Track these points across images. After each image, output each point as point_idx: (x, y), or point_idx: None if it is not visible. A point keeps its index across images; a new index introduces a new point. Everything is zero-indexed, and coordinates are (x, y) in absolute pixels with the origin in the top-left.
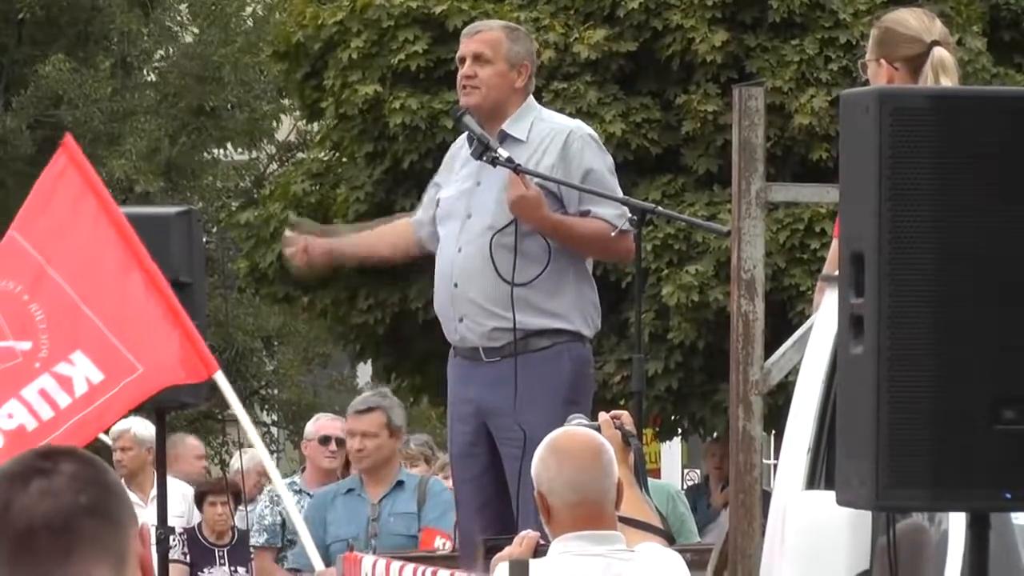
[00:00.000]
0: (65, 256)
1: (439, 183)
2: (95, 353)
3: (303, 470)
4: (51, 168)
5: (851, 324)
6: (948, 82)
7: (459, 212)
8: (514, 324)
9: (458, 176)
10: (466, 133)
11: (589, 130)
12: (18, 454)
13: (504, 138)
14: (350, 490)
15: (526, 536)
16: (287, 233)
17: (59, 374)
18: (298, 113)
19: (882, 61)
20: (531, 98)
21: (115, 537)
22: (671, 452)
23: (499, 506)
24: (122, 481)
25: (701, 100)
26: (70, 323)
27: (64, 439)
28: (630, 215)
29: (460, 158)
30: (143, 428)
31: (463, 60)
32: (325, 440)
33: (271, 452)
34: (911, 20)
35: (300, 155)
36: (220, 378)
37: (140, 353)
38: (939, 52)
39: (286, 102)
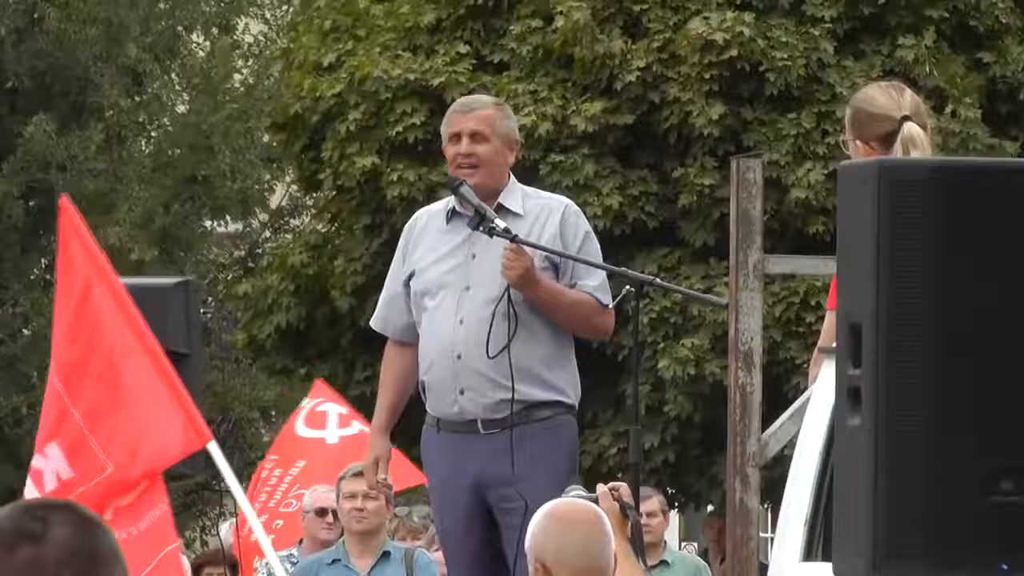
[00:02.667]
0: (61, 330)
1: (406, 274)
2: (68, 447)
3: (300, 542)
4: (60, 237)
5: (848, 396)
6: (919, 156)
7: (454, 284)
8: (512, 393)
9: (437, 249)
10: (438, 204)
11: (577, 207)
12: (12, 505)
13: (501, 212)
14: (335, 560)
15: None
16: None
17: (33, 468)
18: (290, 180)
19: (857, 142)
20: (512, 175)
21: None
22: (669, 525)
23: None
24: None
25: (698, 173)
26: (53, 411)
27: None
28: (628, 287)
29: (431, 232)
30: None
31: (457, 137)
32: (322, 512)
33: None
34: (880, 98)
35: (293, 222)
36: (213, 448)
37: (112, 450)
38: (908, 128)
39: (277, 167)
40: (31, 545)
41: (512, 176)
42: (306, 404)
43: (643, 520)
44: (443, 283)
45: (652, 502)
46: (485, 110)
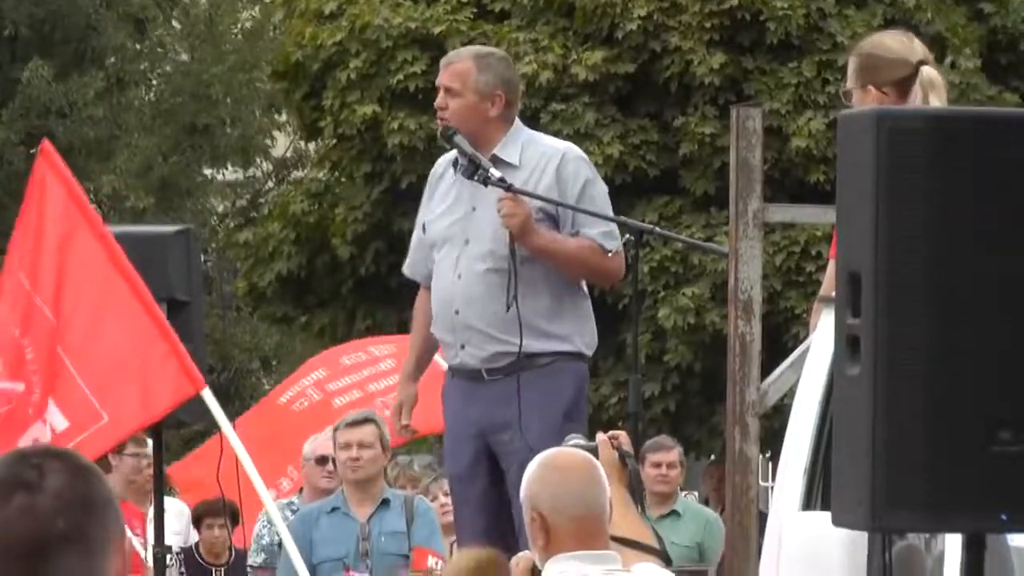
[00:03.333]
0: (48, 282)
1: (424, 221)
2: (62, 398)
3: (301, 491)
4: (33, 180)
5: (848, 344)
6: (937, 100)
7: (456, 238)
8: (520, 347)
9: (446, 201)
10: (454, 152)
11: (581, 152)
12: (9, 453)
13: (496, 163)
14: (335, 508)
15: (522, 558)
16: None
17: (47, 421)
18: (292, 130)
19: (869, 87)
20: (518, 123)
21: (90, 565)
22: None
23: (501, 527)
24: (112, 492)
25: (699, 122)
26: (50, 364)
27: None
28: (628, 236)
29: (445, 181)
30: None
31: (438, 90)
32: (323, 460)
33: None
34: (892, 43)
35: (296, 173)
36: (207, 395)
37: (107, 398)
38: (927, 71)
39: (280, 118)
40: (26, 493)
41: (515, 125)
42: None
43: (662, 470)
44: (446, 236)
45: (672, 453)
46: (461, 63)
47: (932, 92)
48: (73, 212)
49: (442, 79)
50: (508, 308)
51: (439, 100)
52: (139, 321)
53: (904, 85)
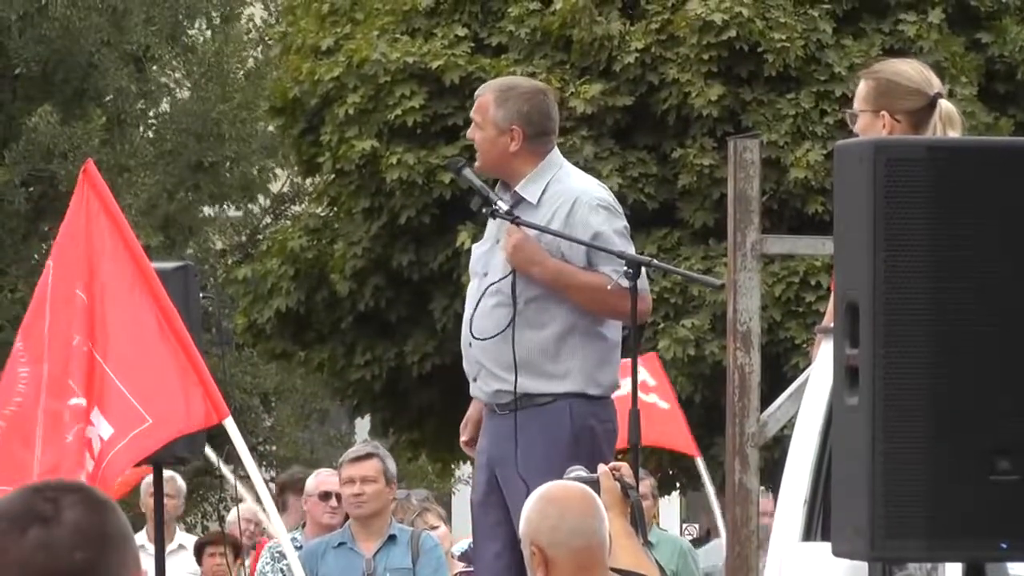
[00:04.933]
0: (93, 293)
1: None
2: (107, 406)
3: (303, 526)
4: (76, 199)
5: (846, 374)
6: (955, 135)
7: (479, 271)
8: (519, 388)
9: (486, 233)
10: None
11: (601, 193)
12: (24, 487)
13: (519, 200)
14: (341, 543)
15: None
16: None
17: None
18: (290, 166)
19: (883, 113)
20: (551, 157)
21: None
22: (670, 506)
23: (515, 554)
24: (128, 526)
25: (697, 154)
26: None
27: None
28: (628, 270)
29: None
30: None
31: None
32: (326, 496)
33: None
34: (912, 73)
35: (294, 208)
36: (230, 424)
37: (150, 404)
38: (945, 106)
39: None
40: (42, 526)
41: (547, 160)
42: None
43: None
44: (474, 269)
45: (644, 484)
46: (484, 96)
47: (951, 128)
48: (114, 230)
49: (472, 111)
50: (495, 339)
51: (470, 132)
52: (171, 345)
53: (916, 117)
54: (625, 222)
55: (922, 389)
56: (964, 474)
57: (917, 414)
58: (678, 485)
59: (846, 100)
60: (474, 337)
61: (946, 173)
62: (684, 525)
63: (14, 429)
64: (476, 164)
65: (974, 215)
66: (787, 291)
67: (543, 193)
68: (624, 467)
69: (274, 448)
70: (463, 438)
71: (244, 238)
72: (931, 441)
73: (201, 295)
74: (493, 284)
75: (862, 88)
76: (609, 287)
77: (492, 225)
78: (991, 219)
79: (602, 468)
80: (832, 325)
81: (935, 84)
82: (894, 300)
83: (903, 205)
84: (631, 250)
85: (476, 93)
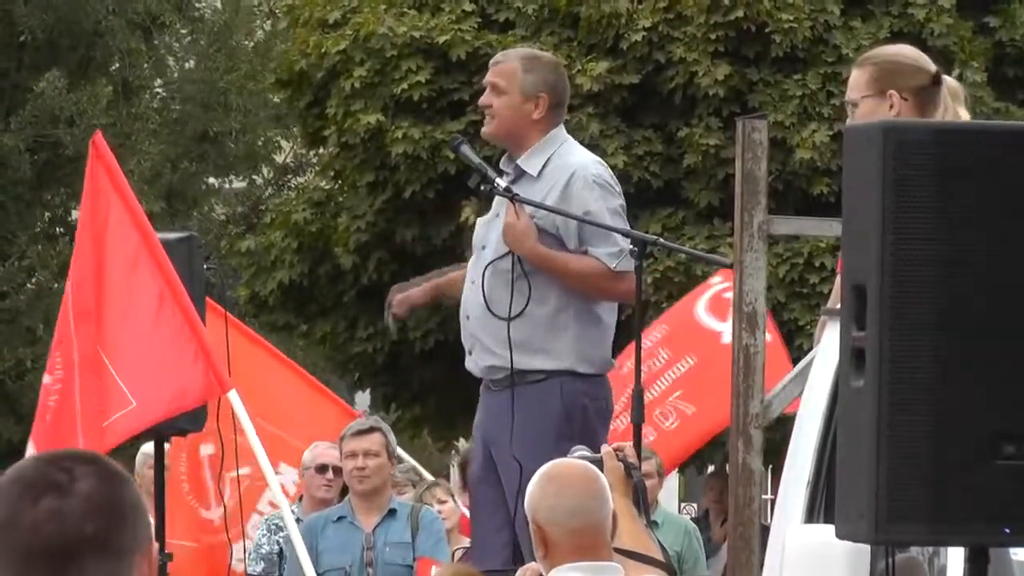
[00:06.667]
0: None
1: None
2: (91, 383)
3: (300, 499)
4: (88, 175)
5: (852, 357)
6: (963, 108)
7: (478, 243)
8: (513, 363)
9: (491, 207)
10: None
11: (598, 170)
12: (40, 454)
13: (521, 173)
14: (341, 517)
15: (528, 569)
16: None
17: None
18: (295, 137)
19: (891, 93)
20: (557, 131)
21: (116, 570)
22: (668, 486)
23: (512, 531)
24: (142, 497)
25: (703, 133)
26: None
27: None
28: (632, 248)
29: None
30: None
31: (486, 88)
32: (322, 468)
33: None
34: (911, 52)
35: (297, 180)
36: (233, 397)
37: (137, 386)
38: (950, 81)
39: (284, 126)
40: (55, 496)
41: (551, 134)
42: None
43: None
44: (475, 242)
45: (650, 463)
46: (508, 63)
47: (957, 102)
48: (121, 204)
49: (489, 76)
50: (502, 321)
51: (484, 97)
52: (175, 318)
53: (922, 96)
54: (622, 200)
55: (928, 372)
56: (969, 458)
57: (923, 397)
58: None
59: None
60: (471, 311)
61: (954, 156)
62: (683, 505)
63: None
64: (486, 130)
65: (982, 199)
66: (791, 272)
67: (544, 166)
68: (628, 447)
69: None
70: (389, 299)
71: (247, 209)
72: (936, 424)
73: (205, 267)
74: (491, 261)
75: (861, 75)
76: (605, 271)
77: (497, 198)
78: (999, 203)
79: (606, 448)
80: (838, 307)
81: (931, 64)
82: (901, 283)
83: (912, 188)
84: (621, 226)
85: (493, 60)
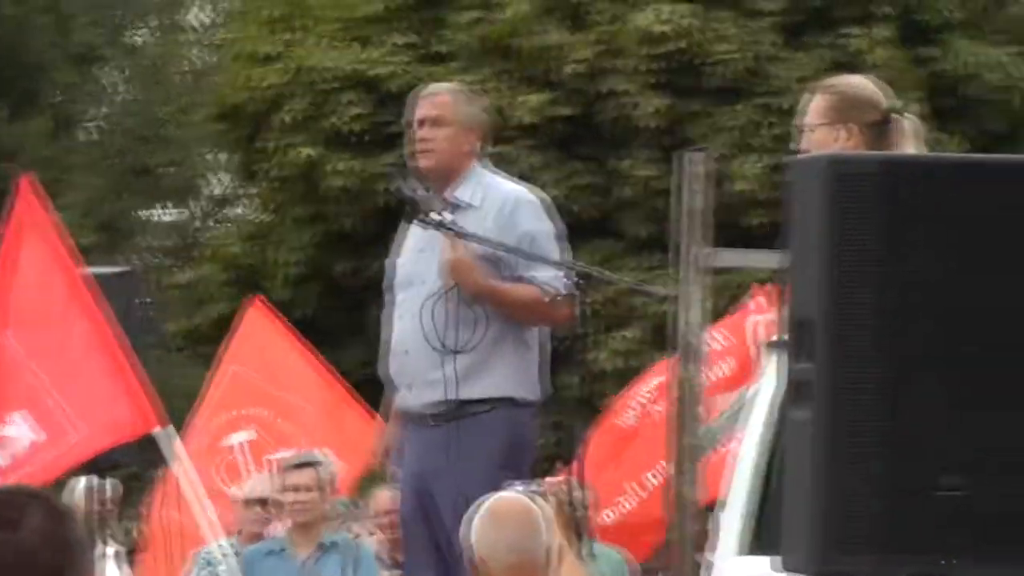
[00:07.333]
0: (19, 307)
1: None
2: (38, 413)
3: (239, 532)
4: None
5: (796, 389)
6: (922, 145)
7: (406, 280)
8: (457, 395)
9: (408, 242)
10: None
11: (533, 196)
12: None
13: (456, 203)
14: (278, 550)
15: None
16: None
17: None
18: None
19: (850, 126)
20: (484, 162)
21: None
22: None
23: (446, 568)
24: (85, 536)
25: (639, 165)
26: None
27: None
28: (573, 279)
29: (413, 226)
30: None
31: (419, 123)
32: (256, 503)
33: None
34: (871, 86)
35: (231, 212)
36: (161, 433)
37: (81, 416)
38: (910, 120)
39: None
40: (8, 531)
41: (479, 164)
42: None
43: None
44: (401, 278)
45: (587, 495)
46: (442, 96)
47: (916, 139)
48: (48, 244)
49: (423, 111)
50: (445, 354)
51: (424, 132)
52: (105, 356)
53: (875, 130)
54: (562, 225)
55: (871, 405)
56: (912, 490)
57: (866, 429)
58: None
59: (789, 113)
60: (409, 346)
61: (899, 188)
62: None
63: None
64: (427, 164)
65: (927, 231)
66: (719, 303)
67: (484, 196)
68: (568, 480)
69: None
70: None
71: (180, 241)
72: (879, 456)
73: (140, 300)
74: (432, 295)
75: (820, 102)
76: (547, 299)
77: (415, 235)
78: (944, 234)
79: (547, 481)
80: (778, 339)
81: (885, 99)
82: (845, 315)
83: (856, 220)
84: (567, 254)
85: (421, 94)
